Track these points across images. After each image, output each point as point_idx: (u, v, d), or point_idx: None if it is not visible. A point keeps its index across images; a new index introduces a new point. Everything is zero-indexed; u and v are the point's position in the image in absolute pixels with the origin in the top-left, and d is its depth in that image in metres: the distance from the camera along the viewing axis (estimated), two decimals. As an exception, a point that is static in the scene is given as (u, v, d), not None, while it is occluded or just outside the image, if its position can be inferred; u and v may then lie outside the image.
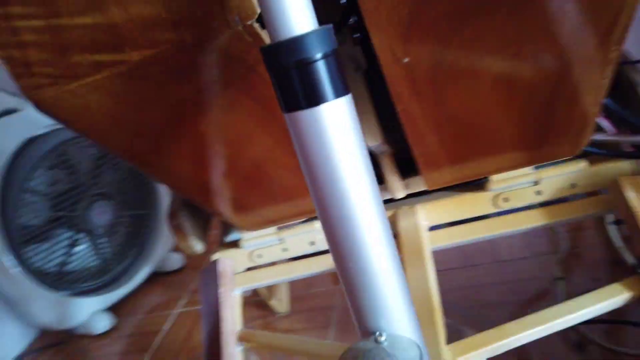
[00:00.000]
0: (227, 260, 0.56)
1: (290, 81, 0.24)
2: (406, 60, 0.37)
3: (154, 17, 0.32)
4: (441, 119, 0.43)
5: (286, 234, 0.57)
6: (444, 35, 0.36)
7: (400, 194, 0.55)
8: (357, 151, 0.26)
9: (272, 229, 0.57)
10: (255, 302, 1.03)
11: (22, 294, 1.04)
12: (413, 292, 0.38)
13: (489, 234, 0.54)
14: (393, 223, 0.55)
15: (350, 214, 0.26)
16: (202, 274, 0.58)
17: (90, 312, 1.10)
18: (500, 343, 0.43)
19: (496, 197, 0.54)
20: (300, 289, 1.07)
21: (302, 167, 0.27)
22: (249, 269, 0.60)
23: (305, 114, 0.25)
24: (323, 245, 0.58)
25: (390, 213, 0.56)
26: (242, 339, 0.55)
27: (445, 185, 0.53)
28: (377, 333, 0.28)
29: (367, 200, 0.26)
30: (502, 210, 0.54)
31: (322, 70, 0.24)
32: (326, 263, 0.57)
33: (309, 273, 0.58)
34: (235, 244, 0.59)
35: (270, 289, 0.93)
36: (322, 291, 1.08)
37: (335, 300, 1.02)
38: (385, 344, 0.27)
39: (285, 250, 0.58)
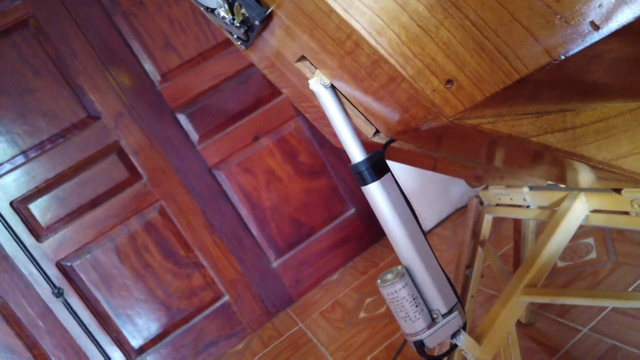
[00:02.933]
0: (473, 199, 0.93)
1: (358, 177, 0.66)
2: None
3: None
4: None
5: (510, 190, 0.88)
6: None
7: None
8: (390, 201, 0.65)
9: (503, 186, 0.89)
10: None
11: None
12: (537, 245, 0.72)
13: (626, 227, 0.68)
14: (562, 201, 0.76)
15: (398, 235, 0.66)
16: (468, 202, 0.98)
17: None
18: (556, 299, 0.67)
19: (632, 202, 0.66)
20: None
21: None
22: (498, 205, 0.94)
23: (365, 188, 0.66)
24: (532, 202, 0.85)
25: (563, 195, 0.77)
26: (481, 244, 0.94)
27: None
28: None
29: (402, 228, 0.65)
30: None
31: (367, 174, 0.64)
32: (533, 214, 0.85)
33: (524, 217, 0.88)
34: (487, 188, 0.94)
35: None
36: None
37: None
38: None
39: (512, 199, 0.89)
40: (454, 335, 0.68)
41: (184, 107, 1.84)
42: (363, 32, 0.45)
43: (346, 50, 0.50)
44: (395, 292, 0.64)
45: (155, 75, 1.80)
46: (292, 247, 2.01)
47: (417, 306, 0.65)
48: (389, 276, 0.65)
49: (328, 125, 0.74)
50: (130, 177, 1.79)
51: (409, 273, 0.66)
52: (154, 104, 1.80)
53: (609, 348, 1.01)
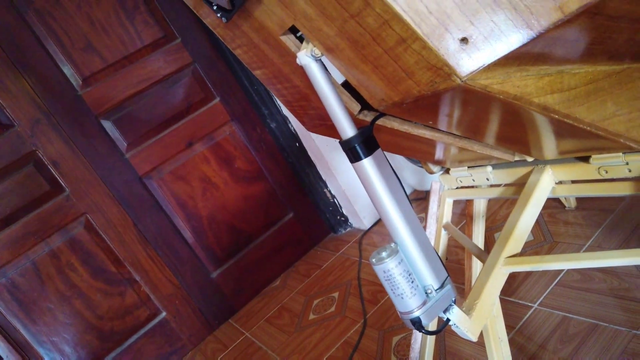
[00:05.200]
0: (436, 183, 0.96)
1: (350, 153, 0.64)
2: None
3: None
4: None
5: (473, 171, 0.91)
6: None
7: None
8: (383, 177, 0.64)
9: (465, 167, 0.92)
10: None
11: (399, 165, 1.67)
12: (511, 218, 0.73)
13: (592, 194, 0.72)
14: (527, 176, 0.80)
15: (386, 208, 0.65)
16: (431, 186, 1.00)
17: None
18: (537, 265, 0.70)
19: (599, 168, 0.71)
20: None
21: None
22: (459, 188, 0.97)
23: (357, 164, 0.64)
24: (495, 180, 0.89)
25: (528, 169, 0.80)
26: (445, 227, 0.96)
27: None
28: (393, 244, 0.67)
29: (392, 202, 0.64)
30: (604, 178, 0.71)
31: (359, 149, 0.63)
32: (496, 192, 0.88)
33: (488, 197, 0.91)
34: (448, 172, 0.97)
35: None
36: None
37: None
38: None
39: (474, 180, 0.92)
40: (445, 310, 0.68)
41: (109, 113, 1.72)
42: (378, -11, 0.44)
43: (352, 12, 0.48)
44: (391, 269, 0.63)
45: (76, 79, 1.66)
46: (232, 256, 1.93)
47: (412, 282, 0.64)
48: (384, 254, 0.64)
49: (305, 106, 0.72)
50: (51, 189, 1.63)
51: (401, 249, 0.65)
52: (75, 110, 1.66)
53: (560, 320, 1.07)
